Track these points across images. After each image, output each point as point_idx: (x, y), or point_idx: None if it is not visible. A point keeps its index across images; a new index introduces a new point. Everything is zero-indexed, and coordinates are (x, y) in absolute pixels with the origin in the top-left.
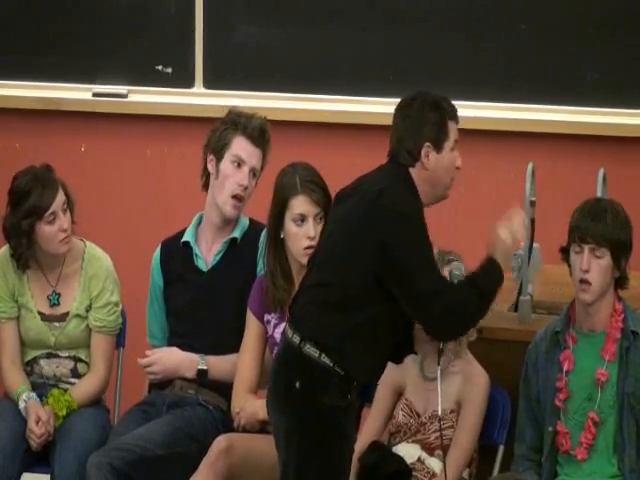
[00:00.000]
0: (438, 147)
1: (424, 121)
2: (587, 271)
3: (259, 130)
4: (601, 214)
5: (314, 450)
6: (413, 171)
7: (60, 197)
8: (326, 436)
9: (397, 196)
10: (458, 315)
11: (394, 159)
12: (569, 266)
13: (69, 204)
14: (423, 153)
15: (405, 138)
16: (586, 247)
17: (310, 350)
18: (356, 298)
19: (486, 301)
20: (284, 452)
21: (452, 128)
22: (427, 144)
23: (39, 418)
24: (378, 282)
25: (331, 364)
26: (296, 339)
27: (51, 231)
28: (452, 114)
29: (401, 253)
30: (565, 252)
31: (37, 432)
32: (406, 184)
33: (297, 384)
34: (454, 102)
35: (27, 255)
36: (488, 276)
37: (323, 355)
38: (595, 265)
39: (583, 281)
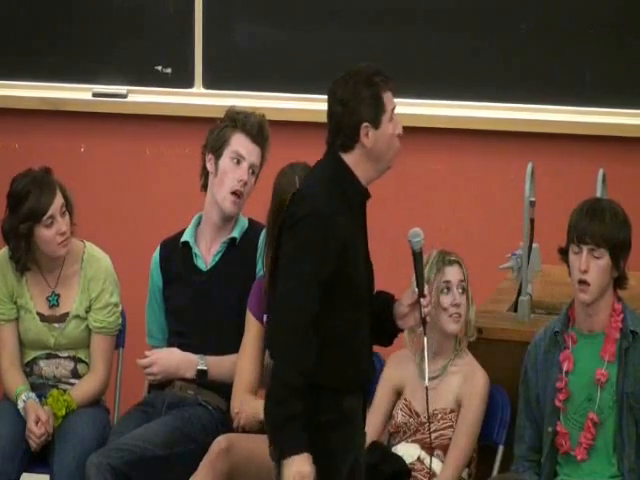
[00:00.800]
0: (376, 123)
1: (359, 101)
2: (585, 271)
3: (258, 127)
4: (599, 214)
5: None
6: (353, 154)
7: (58, 200)
8: (323, 456)
9: (302, 208)
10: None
11: (331, 148)
12: (568, 267)
13: (68, 207)
14: (362, 134)
15: (343, 122)
16: (585, 248)
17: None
18: None
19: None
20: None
21: (387, 99)
22: (365, 124)
23: (38, 418)
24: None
25: (310, 383)
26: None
27: (49, 234)
28: (385, 85)
29: (278, 271)
30: (564, 253)
31: (36, 432)
32: (334, 179)
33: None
34: (453, 102)
35: (25, 258)
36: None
37: None
38: (594, 266)
39: (582, 282)
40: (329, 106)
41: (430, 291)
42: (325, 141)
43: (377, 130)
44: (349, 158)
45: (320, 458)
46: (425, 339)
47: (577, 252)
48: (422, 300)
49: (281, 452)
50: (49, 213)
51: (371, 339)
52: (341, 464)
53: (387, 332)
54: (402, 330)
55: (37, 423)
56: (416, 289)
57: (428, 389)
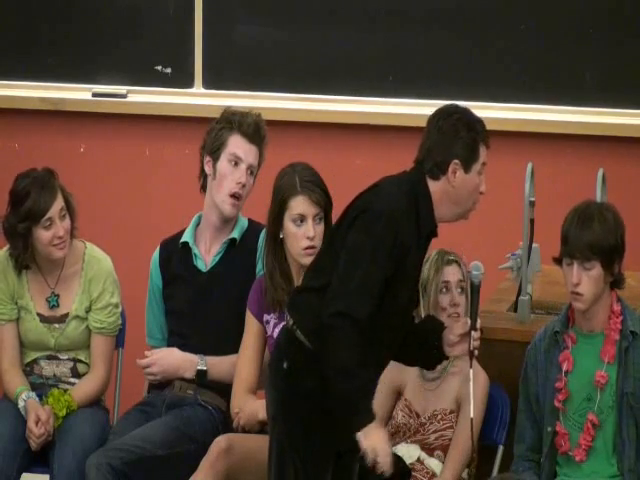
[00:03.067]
0: (467, 167)
1: (457, 138)
2: (577, 284)
3: (254, 127)
4: (588, 223)
5: (297, 431)
6: (437, 184)
7: (58, 203)
8: (309, 418)
9: (384, 196)
10: (331, 336)
11: (419, 166)
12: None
13: (69, 210)
14: (451, 169)
15: (435, 149)
16: (575, 261)
17: (299, 334)
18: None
19: (343, 382)
20: (270, 431)
21: (482, 151)
22: (456, 161)
23: (38, 418)
24: None
25: (314, 348)
26: (290, 321)
27: (47, 236)
28: (484, 138)
29: (346, 248)
30: (559, 262)
31: (36, 432)
32: (414, 198)
33: (285, 365)
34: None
35: (23, 258)
36: (362, 406)
37: (308, 340)
38: (585, 277)
39: (575, 292)
40: (426, 130)
41: (477, 311)
42: (414, 159)
43: (466, 174)
44: (432, 186)
45: (319, 421)
46: (471, 371)
47: (569, 264)
48: (473, 333)
49: (358, 424)
50: (48, 215)
51: (396, 359)
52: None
53: (433, 357)
54: (448, 358)
55: (37, 423)
56: (469, 320)
57: (428, 389)
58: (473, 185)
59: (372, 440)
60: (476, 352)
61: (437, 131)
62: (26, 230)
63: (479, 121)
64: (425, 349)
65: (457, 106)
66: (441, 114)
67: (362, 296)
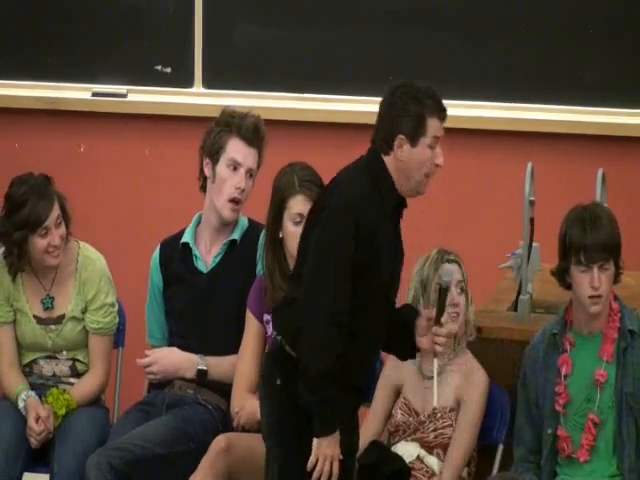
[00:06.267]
0: (413, 141)
1: (402, 112)
2: (599, 287)
3: (253, 129)
4: (598, 226)
5: (293, 445)
6: (388, 159)
7: (55, 212)
8: (305, 431)
9: (338, 189)
10: (305, 342)
11: (372, 146)
12: (561, 283)
13: (65, 217)
14: (396, 144)
15: (382, 125)
16: (595, 265)
17: (287, 348)
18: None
19: (315, 386)
20: (267, 444)
21: (432, 125)
22: (401, 136)
23: (38, 416)
24: None
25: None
26: (279, 337)
27: (42, 244)
28: (434, 111)
29: (311, 248)
30: (563, 272)
31: (36, 430)
32: (372, 175)
33: (278, 381)
34: (453, 102)
35: (17, 264)
36: (328, 412)
37: (295, 352)
38: (604, 279)
39: (595, 296)
40: (380, 103)
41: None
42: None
43: (412, 148)
44: (387, 161)
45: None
46: (435, 361)
47: (584, 270)
48: (436, 328)
49: (315, 431)
50: (45, 224)
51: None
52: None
53: (407, 348)
54: (419, 350)
55: (37, 421)
56: (433, 314)
57: (427, 388)
58: (422, 159)
59: (323, 449)
60: (439, 348)
61: (385, 107)
62: (22, 238)
63: (428, 94)
64: (401, 338)
65: (407, 81)
66: (391, 89)
67: (331, 290)
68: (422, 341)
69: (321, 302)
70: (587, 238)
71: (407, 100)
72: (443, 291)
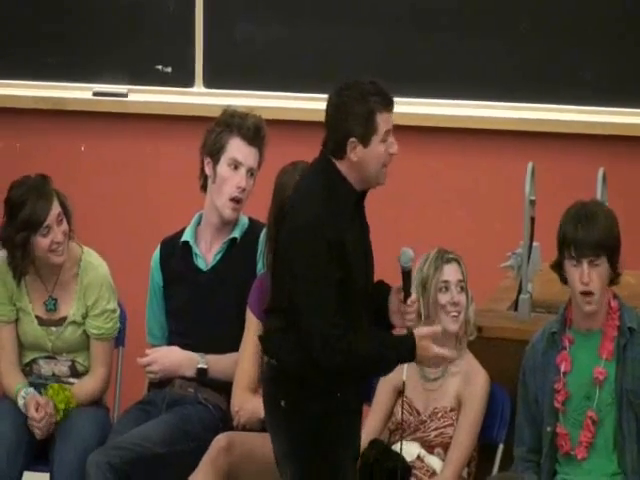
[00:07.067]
0: (365, 141)
1: (350, 115)
2: (589, 283)
3: (254, 129)
4: (592, 221)
5: (312, 462)
6: (342, 163)
7: (55, 210)
8: (321, 445)
9: (302, 216)
10: (335, 360)
11: (323, 151)
12: (561, 278)
13: (65, 214)
14: (349, 148)
15: (331, 129)
16: (584, 260)
17: (288, 371)
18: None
19: (378, 367)
20: (284, 469)
21: (382, 120)
22: (352, 139)
23: (38, 404)
24: None
25: (312, 381)
26: (272, 361)
27: (45, 243)
28: (382, 105)
29: (293, 285)
30: (557, 266)
31: (37, 417)
32: (327, 184)
33: (282, 403)
34: (452, 102)
35: (21, 267)
36: (401, 351)
37: (301, 374)
38: (595, 275)
39: (585, 293)
40: (325, 108)
41: (419, 299)
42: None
43: (365, 148)
44: (340, 165)
45: (331, 446)
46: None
47: (575, 265)
48: (405, 307)
49: (407, 359)
50: (46, 223)
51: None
52: (351, 451)
53: (382, 324)
54: (394, 327)
55: (37, 409)
56: (401, 294)
57: (428, 389)
58: (376, 155)
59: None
60: (410, 323)
61: (332, 110)
62: (24, 240)
63: (373, 91)
64: (376, 316)
65: (352, 80)
66: (335, 91)
67: (327, 315)
68: (394, 320)
69: (324, 332)
70: (579, 233)
71: (353, 101)
72: (406, 274)
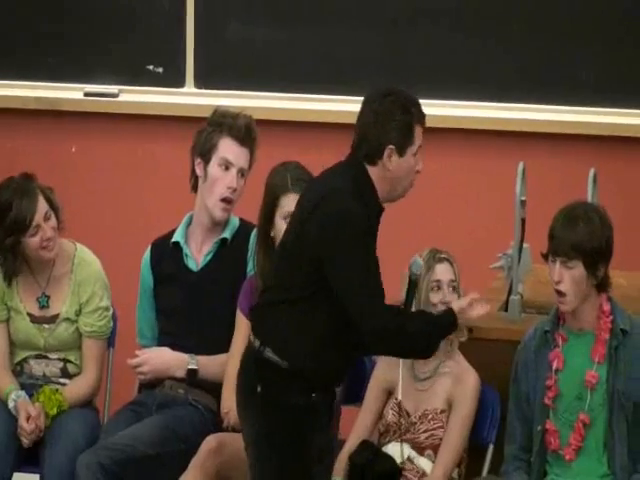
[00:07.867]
0: (401, 151)
1: (392, 122)
2: (559, 282)
3: (245, 129)
4: (572, 223)
5: (279, 450)
6: (374, 169)
7: (41, 207)
8: (291, 436)
9: (338, 204)
10: (388, 340)
11: (355, 154)
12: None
13: (53, 208)
14: (386, 154)
15: (370, 136)
16: (557, 259)
17: (269, 354)
18: (302, 300)
19: (426, 344)
20: (252, 454)
21: (418, 133)
22: (390, 146)
23: (29, 415)
24: (319, 286)
25: (288, 366)
26: (257, 343)
27: (35, 242)
28: (420, 119)
29: (336, 270)
30: (546, 257)
31: (27, 429)
32: (357, 186)
33: (259, 388)
34: (450, 102)
35: (13, 269)
36: (444, 326)
37: (280, 357)
38: (567, 276)
39: (557, 292)
40: (361, 113)
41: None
42: (350, 145)
43: (400, 158)
44: (371, 171)
45: (301, 438)
46: None
47: (552, 261)
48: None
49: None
50: (33, 224)
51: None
52: (322, 442)
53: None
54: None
55: (28, 420)
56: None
57: (419, 390)
58: (408, 167)
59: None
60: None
61: (371, 115)
62: (14, 242)
63: (414, 102)
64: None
65: (392, 88)
66: (375, 97)
67: (380, 296)
68: None
69: (377, 314)
70: (557, 231)
71: (396, 109)
72: (412, 283)
